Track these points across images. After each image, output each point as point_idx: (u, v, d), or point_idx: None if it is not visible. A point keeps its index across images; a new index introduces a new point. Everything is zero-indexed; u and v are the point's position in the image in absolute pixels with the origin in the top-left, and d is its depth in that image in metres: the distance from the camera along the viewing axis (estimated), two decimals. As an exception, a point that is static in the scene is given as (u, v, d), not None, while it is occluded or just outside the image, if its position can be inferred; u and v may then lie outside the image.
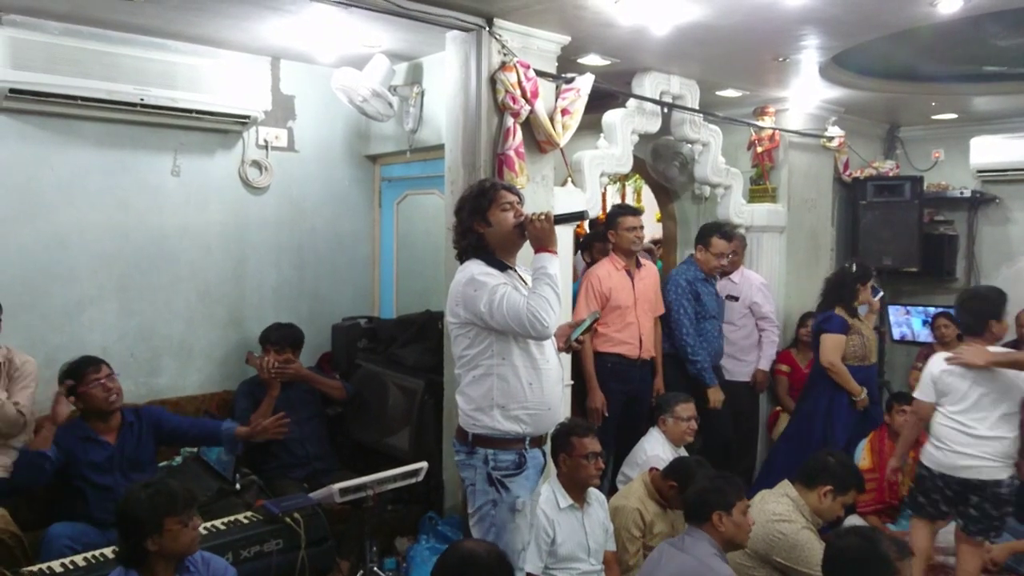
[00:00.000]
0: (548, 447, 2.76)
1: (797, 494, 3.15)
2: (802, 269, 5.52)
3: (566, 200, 3.93)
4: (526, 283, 2.66)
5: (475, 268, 2.57)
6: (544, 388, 2.61)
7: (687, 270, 4.57)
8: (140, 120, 3.83)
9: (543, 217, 2.58)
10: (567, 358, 3.98)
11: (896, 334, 6.26)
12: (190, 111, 3.86)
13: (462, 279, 2.58)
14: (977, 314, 3.45)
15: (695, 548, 2.70)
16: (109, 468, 3.26)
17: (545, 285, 2.51)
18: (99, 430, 3.31)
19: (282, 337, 3.97)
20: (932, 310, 5.95)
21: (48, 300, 3.71)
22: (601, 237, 4.63)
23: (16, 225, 3.61)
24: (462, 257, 2.69)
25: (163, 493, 2.37)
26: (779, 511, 3.10)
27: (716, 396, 4.45)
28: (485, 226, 2.63)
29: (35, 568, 2.69)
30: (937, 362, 3.46)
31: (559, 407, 2.73)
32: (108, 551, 2.73)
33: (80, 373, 3.27)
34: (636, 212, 4.56)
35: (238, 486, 3.54)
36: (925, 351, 5.83)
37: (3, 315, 3.26)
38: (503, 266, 2.63)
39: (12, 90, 3.40)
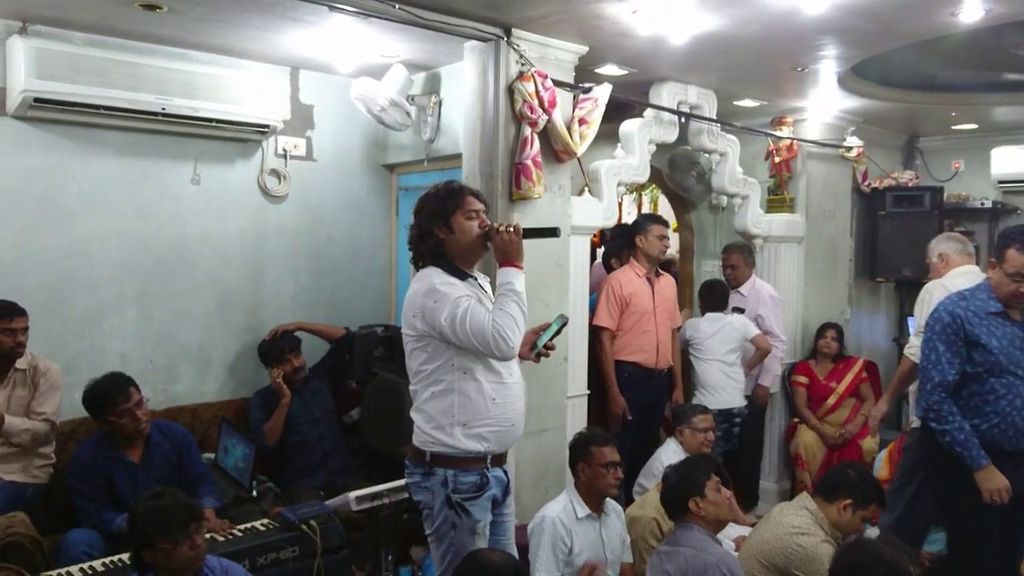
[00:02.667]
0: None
1: (816, 507, 3.11)
2: (820, 280, 5.48)
3: (583, 209, 3.94)
4: (486, 291, 2.55)
5: (435, 278, 2.41)
6: (508, 404, 2.48)
7: (968, 299, 3.04)
8: (161, 129, 3.86)
9: (511, 229, 2.42)
10: (581, 367, 3.99)
11: (916, 346, 6.19)
12: (210, 120, 3.89)
13: (420, 289, 2.41)
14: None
15: (687, 540, 2.77)
16: (134, 489, 3.21)
17: (512, 303, 2.35)
18: (124, 448, 3.27)
19: (292, 343, 4.06)
20: (952, 322, 5.89)
21: (69, 307, 3.74)
22: (628, 244, 4.63)
23: (39, 232, 3.65)
24: (417, 262, 2.53)
25: (157, 510, 2.32)
26: (797, 524, 3.06)
27: (990, 482, 2.89)
28: (446, 232, 2.46)
29: (54, 573, 2.71)
30: None
31: (521, 423, 2.57)
32: (126, 557, 2.75)
33: (112, 402, 3.21)
34: (666, 222, 4.59)
35: (255, 493, 3.55)
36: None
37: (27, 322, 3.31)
38: (463, 275, 2.48)
39: (37, 99, 3.44)
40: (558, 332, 2.66)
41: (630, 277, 4.40)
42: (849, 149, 5.36)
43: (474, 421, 2.43)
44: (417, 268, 2.55)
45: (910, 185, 5.90)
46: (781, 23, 3.33)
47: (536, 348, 2.62)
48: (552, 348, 2.68)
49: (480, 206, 2.51)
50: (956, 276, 3.66)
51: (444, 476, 2.44)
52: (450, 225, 2.46)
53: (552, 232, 2.57)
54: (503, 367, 2.48)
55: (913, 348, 3.61)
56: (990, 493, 2.89)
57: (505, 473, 2.59)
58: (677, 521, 2.89)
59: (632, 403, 4.31)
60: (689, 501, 2.80)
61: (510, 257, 2.42)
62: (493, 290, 2.53)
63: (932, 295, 3.58)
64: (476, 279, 2.56)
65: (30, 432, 3.23)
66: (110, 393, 3.22)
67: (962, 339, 2.97)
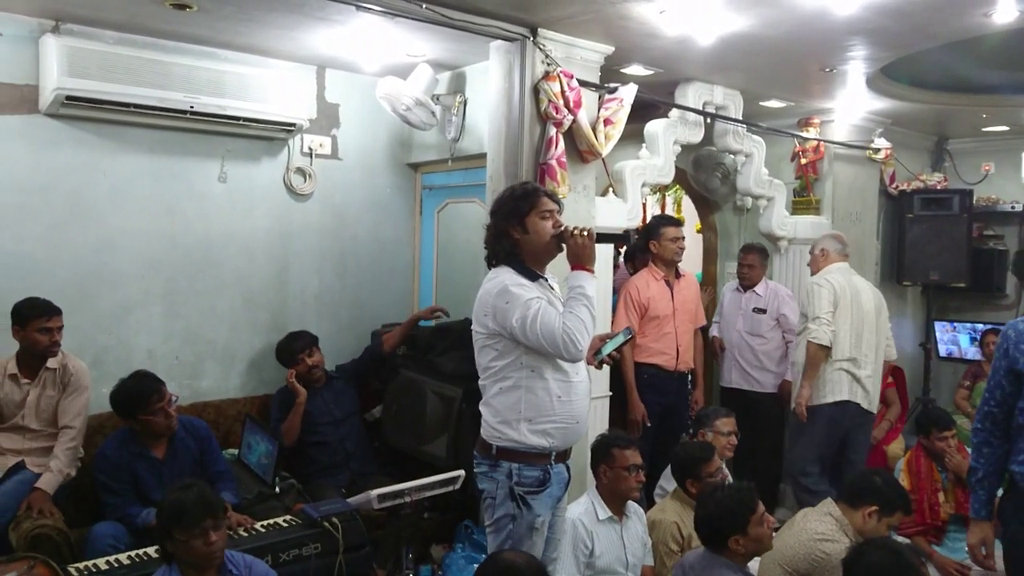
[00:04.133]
0: (571, 461, 2.68)
1: (841, 513, 3.08)
2: (846, 283, 5.42)
3: (607, 210, 3.92)
4: (554, 290, 2.58)
5: (507, 278, 2.47)
6: (574, 401, 2.53)
7: None
8: (189, 127, 3.90)
9: (585, 232, 2.48)
10: (603, 369, 3.97)
11: (942, 351, 6.12)
12: (238, 119, 3.92)
13: (492, 289, 2.48)
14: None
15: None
16: (158, 485, 3.23)
17: (582, 306, 2.41)
18: (149, 444, 3.30)
19: (306, 341, 4.06)
20: (980, 327, 5.81)
21: (97, 303, 3.79)
22: (642, 248, 4.61)
23: (69, 229, 3.70)
24: (491, 262, 2.59)
25: (176, 502, 2.33)
26: (822, 530, 3.02)
27: (972, 535, 2.66)
28: (521, 232, 2.52)
29: (81, 565, 2.75)
30: None
31: (586, 420, 2.65)
32: (152, 550, 2.78)
33: (147, 400, 3.22)
34: (678, 223, 4.55)
35: (277, 489, 3.58)
36: (973, 369, 5.69)
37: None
38: (534, 275, 2.53)
39: (68, 97, 3.48)
40: (624, 344, 2.74)
41: (648, 281, 4.39)
42: (877, 151, 5.30)
43: (539, 417, 2.48)
44: (490, 267, 2.60)
45: (938, 188, 5.83)
46: (810, 24, 3.30)
47: (600, 355, 2.65)
48: (616, 358, 2.75)
49: (554, 206, 2.56)
50: (831, 272, 4.24)
51: (509, 469, 2.50)
52: (525, 225, 2.52)
53: (623, 238, 2.67)
54: (570, 366, 2.53)
55: (812, 333, 4.06)
56: (968, 545, 2.66)
57: (568, 469, 2.64)
58: (710, 549, 2.74)
59: (652, 405, 4.30)
60: (729, 540, 2.65)
61: (582, 261, 2.48)
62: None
63: (820, 287, 4.14)
64: (546, 279, 2.60)
65: (71, 458, 3.30)
66: (144, 392, 3.24)
67: (1004, 365, 2.51)
